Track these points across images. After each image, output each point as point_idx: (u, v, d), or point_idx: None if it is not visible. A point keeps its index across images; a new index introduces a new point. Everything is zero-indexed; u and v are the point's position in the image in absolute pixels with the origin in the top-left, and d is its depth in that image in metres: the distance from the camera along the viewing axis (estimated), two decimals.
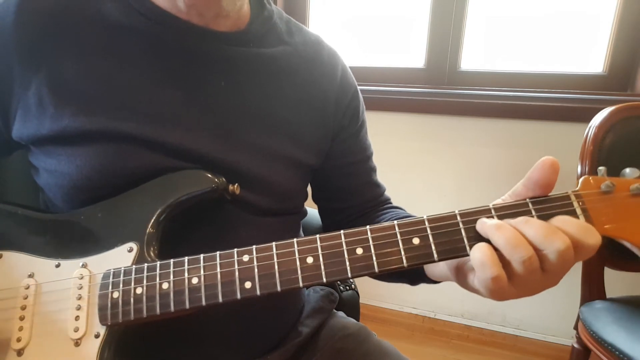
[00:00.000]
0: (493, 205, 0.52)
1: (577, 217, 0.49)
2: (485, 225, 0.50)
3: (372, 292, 2.10)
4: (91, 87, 0.63)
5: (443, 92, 1.81)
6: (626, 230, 0.49)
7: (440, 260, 0.51)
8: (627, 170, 0.50)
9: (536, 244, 0.47)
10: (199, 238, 0.66)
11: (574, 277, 1.25)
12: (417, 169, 1.92)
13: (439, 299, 2.02)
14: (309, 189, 0.85)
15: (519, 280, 0.48)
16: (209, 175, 0.63)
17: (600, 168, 0.51)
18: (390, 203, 0.89)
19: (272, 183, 0.71)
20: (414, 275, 0.69)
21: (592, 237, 0.46)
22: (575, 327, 1.27)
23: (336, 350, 0.79)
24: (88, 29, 0.64)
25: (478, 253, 0.48)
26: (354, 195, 0.85)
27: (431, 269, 0.64)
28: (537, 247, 0.47)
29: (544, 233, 0.46)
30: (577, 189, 0.50)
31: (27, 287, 0.60)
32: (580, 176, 1.24)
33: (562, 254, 0.46)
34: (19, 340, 0.58)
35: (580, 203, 0.49)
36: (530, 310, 1.89)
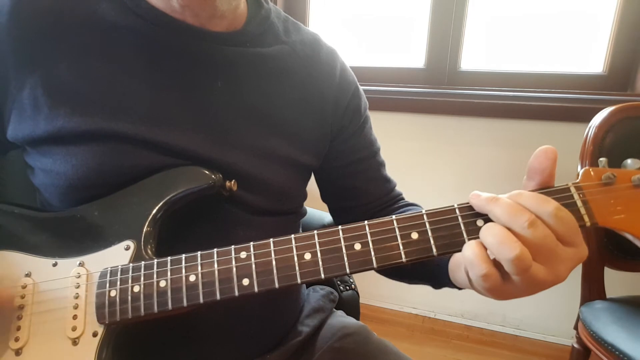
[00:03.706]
0: None
1: (577, 209, 0.48)
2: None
3: (372, 292, 2.10)
4: (86, 87, 0.62)
5: (443, 92, 1.82)
6: (628, 222, 0.48)
7: (439, 255, 0.51)
8: (629, 161, 0.50)
9: (507, 225, 0.47)
10: (197, 237, 0.66)
11: (574, 277, 1.24)
12: (417, 169, 1.92)
13: (439, 299, 2.02)
14: (316, 189, 0.84)
15: (511, 276, 0.48)
16: (206, 172, 0.63)
17: (601, 159, 0.51)
18: (403, 198, 0.88)
19: (270, 183, 0.70)
20: (437, 279, 0.68)
21: (548, 205, 0.46)
22: (575, 327, 1.27)
23: (336, 350, 0.79)
24: (83, 30, 0.63)
25: (468, 251, 0.48)
26: (365, 193, 0.84)
27: (454, 275, 0.63)
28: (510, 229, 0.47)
29: (509, 212, 0.47)
30: (578, 180, 0.50)
31: (25, 287, 0.60)
32: None
33: (531, 226, 0.46)
34: (17, 339, 0.58)
35: (581, 195, 0.49)
36: (530, 310, 1.89)
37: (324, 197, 0.88)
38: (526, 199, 0.48)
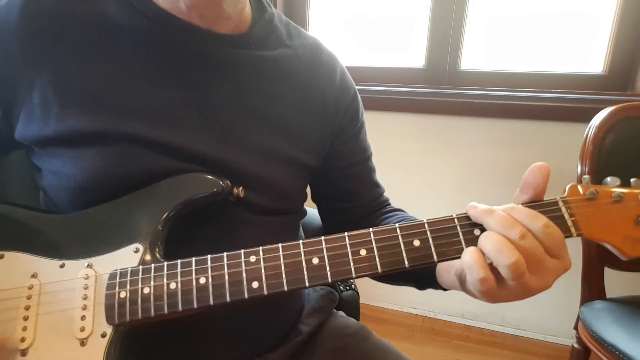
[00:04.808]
0: None
1: (565, 221, 0.53)
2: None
3: (372, 292, 2.10)
4: (94, 88, 0.63)
5: (443, 92, 1.82)
6: (607, 234, 0.53)
7: (439, 261, 0.54)
8: (609, 179, 0.55)
9: (500, 232, 0.51)
10: (201, 237, 0.66)
11: (574, 277, 1.25)
12: (417, 169, 1.92)
13: (439, 299, 2.02)
14: (308, 189, 0.85)
15: (505, 281, 0.51)
16: (215, 179, 0.64)
17: (585, 177, 0.56)
18: (390, 204, 0.90)
19: (272, 183, 0.71)
20: (423, 281, 0.72)
21: (538, 221, 0.50)
22: (575, 327, 1.27)
23: (336, 350, 0.80)
24: (91, 30, 0.64)
25: (466, 257, 0.51)
26: (355, 196, 0.86)
27: (443, 278, 0.66)
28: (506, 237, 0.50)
29: (503, 224, 0.51)
30: (565, 195, 0.55)
31: (31, 287, 0.60)
32: (580, 177, 1.24)
33: (523, 238, 0.50)
34: (22, 340, 0.58)
35: (568, 208, 0.54)
36: (530, 310, 1.89)
37: (315, 197, 0.90)
38: (519, 213, 0.52)
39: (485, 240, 0.51)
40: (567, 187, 0.55)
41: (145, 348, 0.64)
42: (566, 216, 0.53)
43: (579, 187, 0.55)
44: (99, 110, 0.62)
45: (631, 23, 1.64)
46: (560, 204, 0.54)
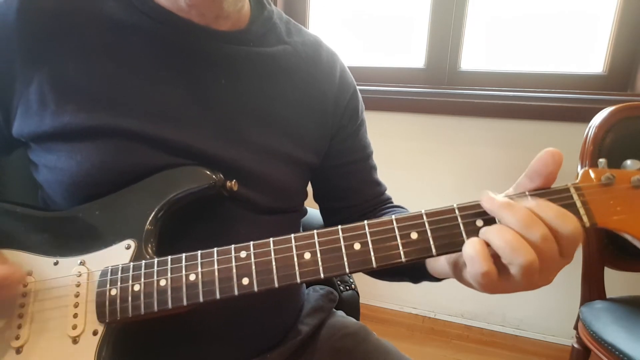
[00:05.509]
0: None
1: (577, 209, 0.48)
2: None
3: (372, 292, 2.10)
4: (93, 84, 0.63)
5: (443, 92, 1.82)
6: (627, 223, 0.48)
7: (438, 254, 0.51)
8: (629, 162, 0.49)
9: (518, 231, 0.46)
10: (198, 235, 0.66)
11: (574, 277, 1.25)
12: (417, 169, 1.92)
13: (439, 299, 2.02)
14: (309, 188, 0.85)
15: (509, 276, 0.48)
16: (207, 172, 0.63)
17: (600, 160, 0.50)
18: (392, 202, 0.89)
19: (272, 181, 0.71)
20: (416, 273, 0.69)
21: (569, 224, 0.46)
22: (575, 327, 1.27)
23: (336, 350, 0.79)
24: (90, 28, 0.64)
25: (469, 248, 0.48)
26: (355, 194, 0.85)
27: (432, 265, 0.63)
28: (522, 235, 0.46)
29: (524, 222, 0.46)
30: (577, 181, 0.50)
31: (26, 285, 0.60)
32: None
33: (544, 241, 0.46)
34: (17, 338, 0.58)
35: (580, 196, 0.49)
36: (530, 310, 1.89)
37: (316, 197, 0.89)
38: (546, 211, 0.47)
39: (497, 236, 0.47)
40: (580, 172, 0.50)
41: (142, 348, 0.63)
42: (578, 204, 0.48)
43: (593, 172, 0.49)
44: (97, 107, 0.62)
45: (631, 23, 1.64)
46: (572, 190, 0.49)
